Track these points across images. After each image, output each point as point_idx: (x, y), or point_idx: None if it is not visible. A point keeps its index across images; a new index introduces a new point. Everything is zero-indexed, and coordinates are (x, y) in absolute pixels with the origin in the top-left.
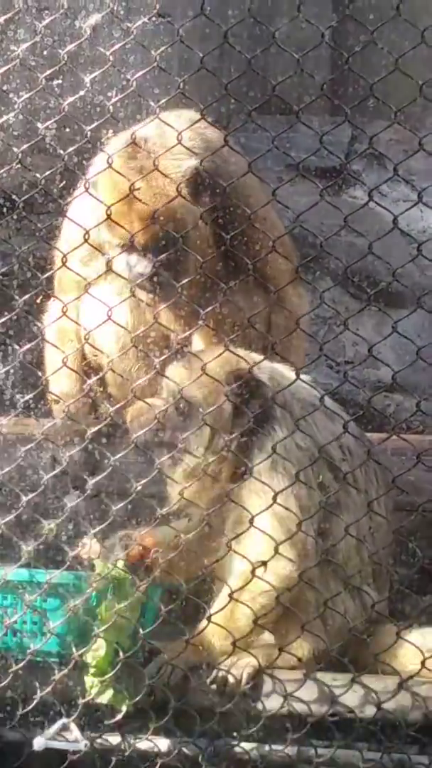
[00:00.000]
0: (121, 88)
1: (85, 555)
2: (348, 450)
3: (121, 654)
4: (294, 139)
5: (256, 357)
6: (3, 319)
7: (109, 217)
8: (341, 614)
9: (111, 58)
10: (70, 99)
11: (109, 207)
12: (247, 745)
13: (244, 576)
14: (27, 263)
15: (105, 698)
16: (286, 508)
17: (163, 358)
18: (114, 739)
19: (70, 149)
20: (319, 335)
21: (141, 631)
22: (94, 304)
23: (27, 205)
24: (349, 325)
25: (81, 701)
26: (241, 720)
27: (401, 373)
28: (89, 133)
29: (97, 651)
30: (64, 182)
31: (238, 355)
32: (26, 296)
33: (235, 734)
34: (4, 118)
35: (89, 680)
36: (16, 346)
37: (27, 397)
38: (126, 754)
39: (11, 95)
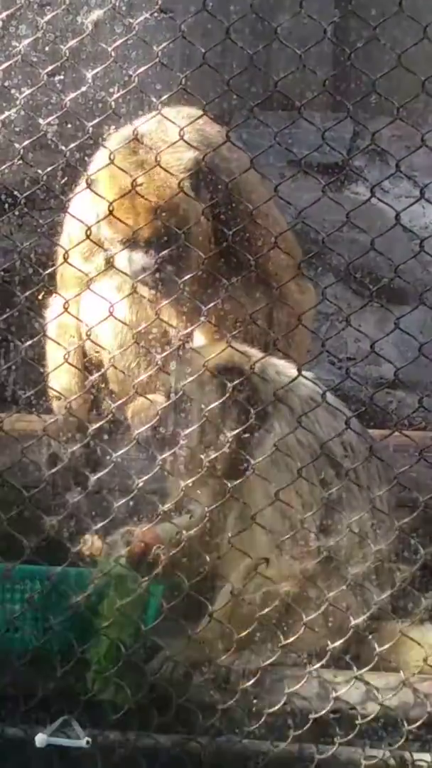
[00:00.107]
0: (123, 84)
1: (87, 552)
2: (350, 446)
3: (123, 650)
4: (296, 135)
5: (252, 351)
6: (5, 316)
7: (111, 213)
8: (343, 611)
9: (113, 53)
10: (72, 95)
11: (111, 203)
12: (248, 742)
13: (246, 572)
14: (29, 259)
15: (107, 695)
16: (288, 505)
17: (164, 354)
18: (115, 735)
19: (72, 145)
20: (321, 331)
21: (143, 627)
22: (96, 300)
23: (29, 201)
24: (351, 321)
25: (83, 698)
26: (242, 717)
27: (403, 370)
28: (91, 129)
29: (98, 647)
30: (65, 178)
31: (236, 349)
32: (28, 292)
33: (236, 731)
34: (6, 114)
35: (91, 677)
36: (18, 343)
37: (29, 393)
38: (128, 750)
39: (13, 91)
